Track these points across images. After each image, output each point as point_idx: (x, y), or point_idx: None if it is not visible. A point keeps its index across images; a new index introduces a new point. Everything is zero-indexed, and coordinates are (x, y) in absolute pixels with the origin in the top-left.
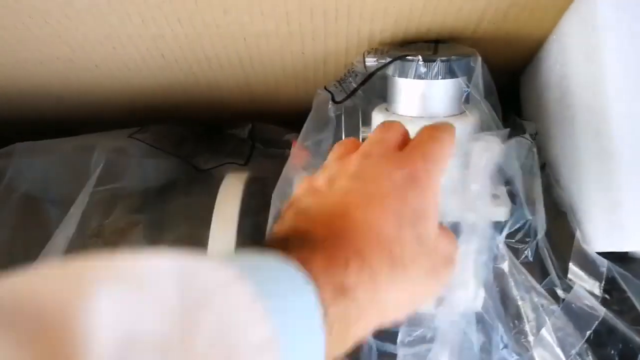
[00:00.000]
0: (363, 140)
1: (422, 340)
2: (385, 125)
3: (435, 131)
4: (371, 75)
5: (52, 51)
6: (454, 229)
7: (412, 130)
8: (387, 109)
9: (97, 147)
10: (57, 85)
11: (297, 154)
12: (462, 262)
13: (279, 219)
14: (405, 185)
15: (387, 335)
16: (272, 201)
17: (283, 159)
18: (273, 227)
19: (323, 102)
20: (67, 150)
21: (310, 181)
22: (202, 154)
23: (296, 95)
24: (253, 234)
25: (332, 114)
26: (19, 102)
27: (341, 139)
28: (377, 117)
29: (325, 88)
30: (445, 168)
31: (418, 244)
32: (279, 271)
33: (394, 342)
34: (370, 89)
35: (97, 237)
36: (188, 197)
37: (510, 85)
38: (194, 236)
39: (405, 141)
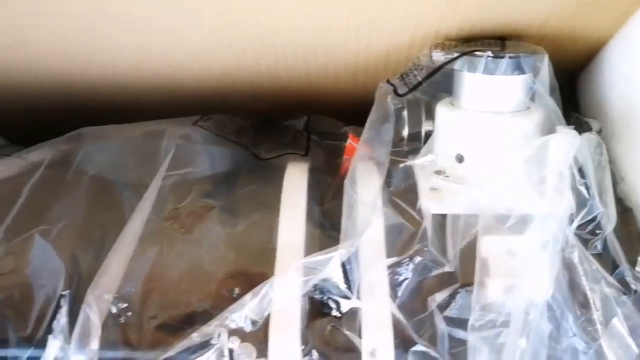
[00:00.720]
0: (425, 133)
1: (493, 324)
2: None
3: None
4: (438, 69)
5: (121, 38)
6: (525, 221)
7: (477, 124)
8: (451, 103)
9: (166, 133)
10: (122, 72)
11: (354, 146)
12: (533, 252)
13: None
14: None
15: (458, 321)
16: (345, 189)
17: (339, 150)
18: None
19: (385, 94)
20: (136, 135)
21: None
22: (262, 144)
23: (353, 87)
24: (321, 221)
25: (393, 107)
26: (84, 89)
27: (403, 131)
28: (442, 111)
29: (388, 81)
30: None
31: None
32: None
33: (464, 327)
34: (432, 83)
35: (173, 219)
36: (253, 185)
37: (567, 83)
38: (265, 222)
39: None
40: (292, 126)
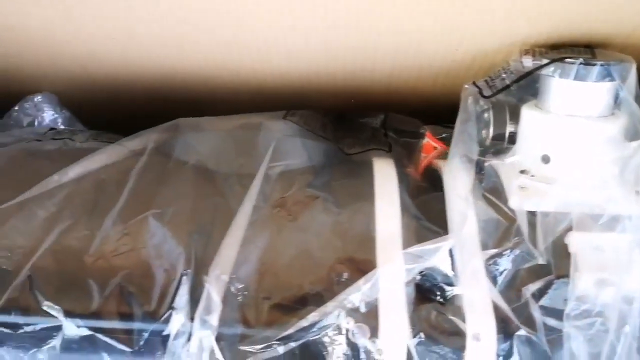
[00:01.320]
0: (509, 135)
1: (588, 314)
2: None
3: None
4: (529, 73)
5: (223, 35)
6: (616, 219)
7: (565, 127)
8: (537, 106)
9: (262, 127)
10: (211, 66)
11: (432, 145)
12: (623, 249)
13: None
14: None
15: (552, 310)
16: (446, 184)
17: (416, 148)
18: None
19: (471, 96)
20: (234, 127)
21: None
22: (342, 140)
23: (431, 89)
24: (414, 212)
25: (478, 108)
26: (171, 82)
27: (487, 131)
28: (528, 114)
29: (474, 83)
30: None
31: None
32: None
33: (558, 317)
34: (518, 86)
35: (280, 207)
36: (345, 177)
37: None
38: (363, 211)
39: None
40: (368, 124)
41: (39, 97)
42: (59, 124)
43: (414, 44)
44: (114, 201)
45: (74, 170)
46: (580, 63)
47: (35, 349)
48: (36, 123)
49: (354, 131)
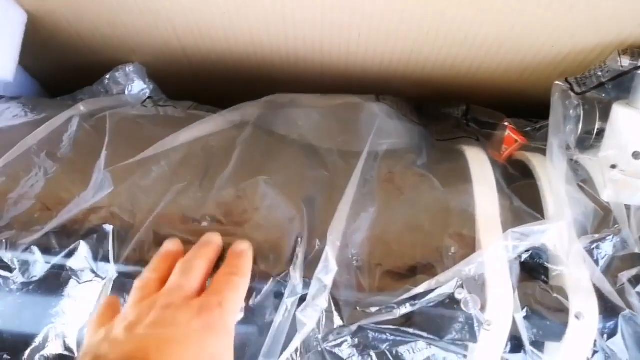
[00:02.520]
0: (597, 131)
1: None
2: (184, 269)
3: (232, 276)
4: (627, 72)
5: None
6: None
7: None
8: (629, 104)
9: (364, 107)
10: (308, 48)
11: (513, 138)
12: None
13: None
14: (203, 332)
15: None
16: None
17: (497, 139)
18: None
19: (562, 92)
20: (333, 105)
21: (108, 329)
22: (429, 127)
23: (515, 83)
24: (508, 194)
25: (568, 104)
26: (266, 61)
27: (576, 128)
28: (619, 111)
29: (566, 80)
30: (239, 311)
31: None
32: None
33: None
34: (611, 85)
35: (388, 182)
36: (441, 160)
37: None
38: (464, 191)
39: (203, 286)
40: (450, 114)
41: (130, 67)
42: (147, 95)
43: (512, 38)
44: (223, 167)
45: (185, 135)
46: None
47: None
48: (126, 92)
49: (437, 120)
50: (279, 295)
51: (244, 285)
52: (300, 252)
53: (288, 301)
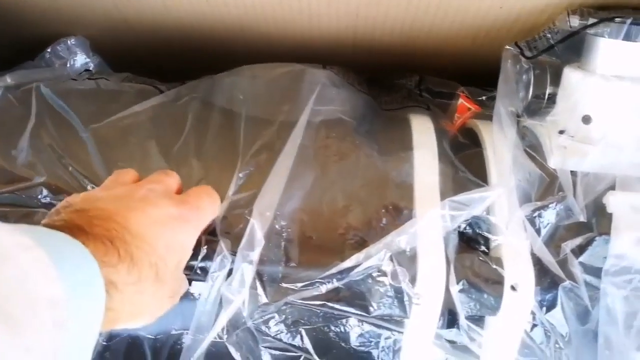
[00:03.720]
0: (549, 96)
1: (627, 271)
2: (166, 171)
3: (210, 190)
4: (576, 33)
5: None
6: None
7: (610, 88)
8: (580, 67)
9: (307, 73)
10: (251, 18)
11: (466, 106)
12: None
13: (53, 213)
14: (179, 221)
15: (590, 267)
16: (488, 137)
17: (451, 109)
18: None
19: (512, 56)
20: (276, 74)
21: (91, 192)
22: (380, 98)
23: (468, 49)
24: (456, 165)
25: (519, 69)
26: (208, 32)
27: (527, 93)
28: (571, 75)
29: (516, 44)
30: (209, 221)
31: (176, 268)
32: (68, 244)
33: (595, 274)
34: (562, 47)
35: (326, 148)
36: (384, 129)
37: None
38: (404, 161)
39: (179, 189)
40: (403, 85)
41: (72, 40)
42: (90, 68)
43: (458, 0)
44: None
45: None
46: (631, 23)
47: None
48: (68, 66)
49: (389, 90)
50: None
51: (217, 205)
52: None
53: (214, 275)
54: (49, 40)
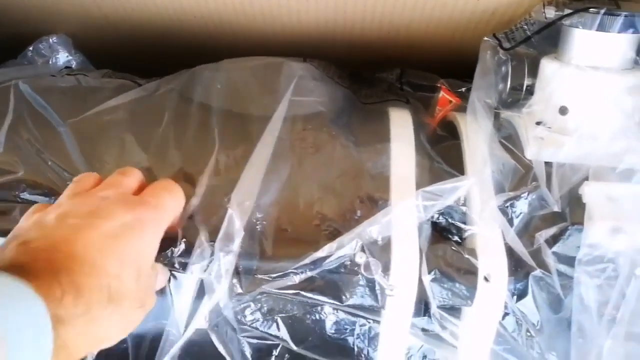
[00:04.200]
0: (527, 87)
1: (600, 260)
2: (124, 170)
3: (170, 185)
4: (551, 24)
5: None
6: (631, 172)
7: (585, 79)
8: (556, 58)
9: (285, 65)
10: (230, 11)
11: (447, 98)
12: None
13: (1, 248)
14: (134, 228)
15: (563, 257)
16: (464, 128)
17: (431, 102)
18: None
19: (490, 48)
20: (255, 66)
21: (41, 215)
22: (359, 92)
23: (448, 43)
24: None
25: (497, 61)
26: (188, 28)
27: (505, 84)
28: (548, 65)
29: (494, 35)
30: (171, 218)
31: (135, 280)
32: (9, 286)
33: (569, 263)
34: (539, 38)
35: (302, 140)
36: (362, 122)
37: None
38: (381, 152)
39: (141, 187)
40: (384, 78)
41: (54, 38)
42: (73, 66)
43: None
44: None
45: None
46: (604, 13)
47: None
48: (50, 64)
49: (369, 84)
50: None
51: (180, 198)
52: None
53: (194, 267)
54: (32, 38)
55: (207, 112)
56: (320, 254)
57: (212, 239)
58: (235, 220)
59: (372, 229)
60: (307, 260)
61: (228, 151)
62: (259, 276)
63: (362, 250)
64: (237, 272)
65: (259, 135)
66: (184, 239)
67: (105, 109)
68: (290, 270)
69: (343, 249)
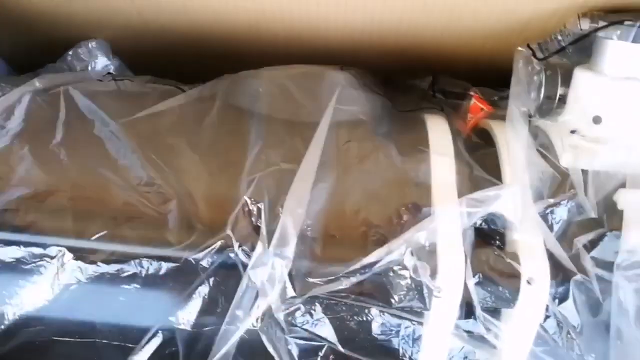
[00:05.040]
0: (559, 96)
1: (638, 265)
2: None
3: None
4: (586, 35)
5: None
6: None
7: (619, 89)
8: (590, 69)
9: (326, 75)
10: (268, 19)
11: (479, 106)
12: None
13: None
14: None
15: (601, 262)
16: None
17: (463, 109)
18: None
19: (524, 57)
20: (296, 75)
21: None
22: (395, 99)
23: (479, 52)
24: (468, 169)
25: (530, 70)
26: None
27: (538, 93)
28: (582, 75)
29: (528, 45)
30: None
31: None
32: None
33: (607, 268)
34: (573, 49)
35: (346, 151)
36: (401, 130)
37: None
38: (423, 162)
39: None
40: (416, 86)
41: (93, 43)
42: (111, 70)
43: (471, 3)
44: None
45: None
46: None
47: None
48: (89, 69)
49: (403, 92)
50: (231, 266)
51: None
52: (263, 222)
53: (251, 272)
54: (68, 42)
55: (251, 117)
56: (370, 258)
57: (267, 244)
58: (289, 226)
59: (419, 235)
60: (357, 265)
61: (275, 157)
62: (311, 280)
63: (411, 254)
64: (290, 276)
65: (304, 143)
66: (241, 244)
67: (154, 112)
68: (341, 275)
69: (392, 254)
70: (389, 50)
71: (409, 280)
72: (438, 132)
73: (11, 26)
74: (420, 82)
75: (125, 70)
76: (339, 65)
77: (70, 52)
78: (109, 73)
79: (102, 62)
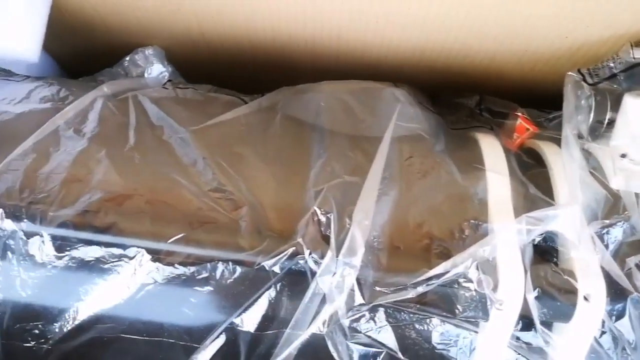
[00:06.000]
0: (608, 121)
1: None
2: None
3: None
4: (638, 64)
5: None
6: None
7: None
8: (639, 95)
9: (384, 91)
10: (325, 36)
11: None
12: None
13: None
14: None
15: None
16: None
17: (509, 129)
18: None
19: (575, 82)
20: (356, 90)
21: None
22: (444, 116)
23: (528, 74)
24: (523, 187)
25: (580, 94)
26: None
27: (587, 117)
28: (630, 101)
29: (579, 70)
30: None
31: None
32: None
33: None
34: (622, 76)
35: (409, 166)
36: (457, 149)
37: None
38: (480, 179)
39: None
40: (464, 104)
41: (150, 50)
42: (166, 77)
43: (527, 28)
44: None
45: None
46: None
47: None
48: (145, 75)
49: (451, 109)
50: (299, 272)
51: None
52: (332, 232)
53: (320, 279)
54: (123, 48)
55: (313, 130)
56: (437, 270)
57: (336, 252)
58: (358, 236)
59: (483, 249)
60: (425, 276)
61: (339, 170)
62: (378, 289)
63: (476, 268)
64: (359, 284)
65: (365, 157)
66: (311, 252)
67: (220, 121)
68: (408, 285)
69: (458, 267)
70: (437, 69)
71: (473, 292)
72: (492, 150)
73: (68, 31)
74: (467, 100)
75: (179, 77)
76: (387, 81)
77: (127, 58)
78: (169, 80)
79: (157, 69)
